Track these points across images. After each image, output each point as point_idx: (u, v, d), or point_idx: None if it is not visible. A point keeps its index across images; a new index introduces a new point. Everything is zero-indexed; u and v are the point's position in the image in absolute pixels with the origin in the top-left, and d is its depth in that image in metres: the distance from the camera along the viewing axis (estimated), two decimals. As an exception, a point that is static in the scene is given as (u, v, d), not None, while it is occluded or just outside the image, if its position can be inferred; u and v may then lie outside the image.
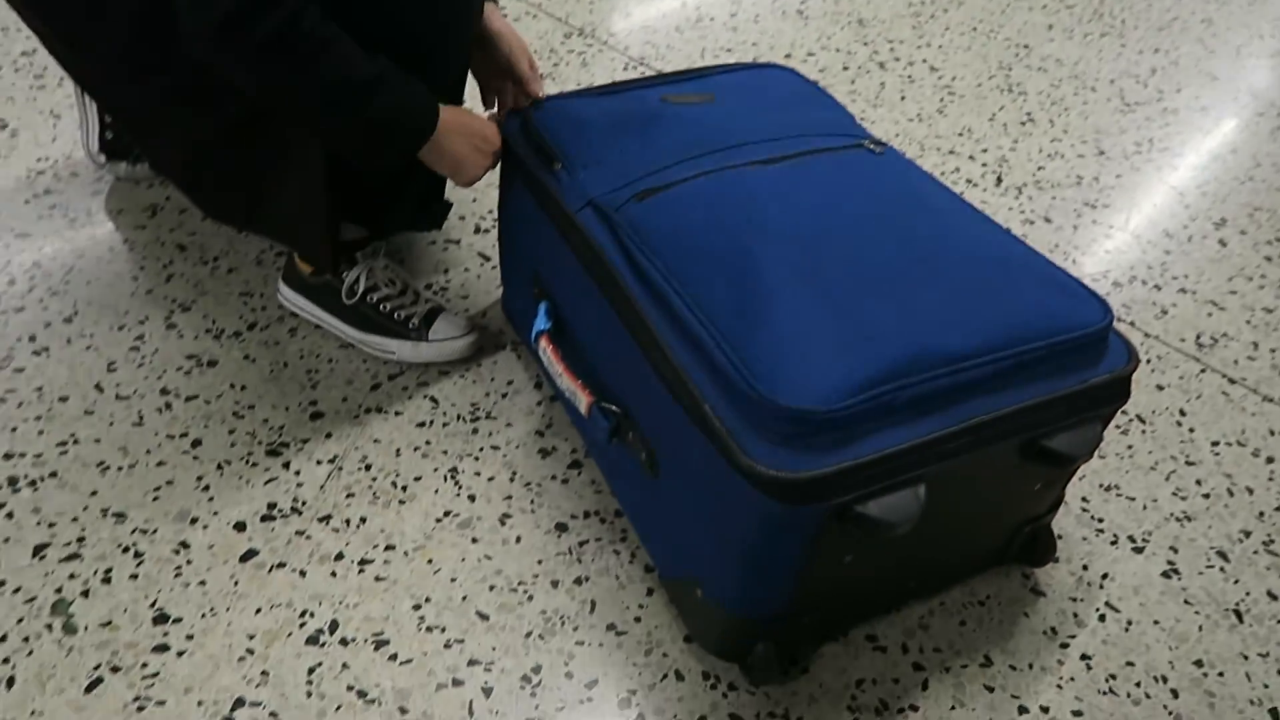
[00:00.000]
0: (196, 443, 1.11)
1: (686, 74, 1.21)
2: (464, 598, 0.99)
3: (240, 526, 1.03)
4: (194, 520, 1.03)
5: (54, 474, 1.05)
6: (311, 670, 0.91)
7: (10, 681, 0.87)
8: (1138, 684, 1.00)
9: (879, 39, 2.12)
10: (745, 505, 0.81)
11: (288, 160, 1.04)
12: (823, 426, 0.79)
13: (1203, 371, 1.40)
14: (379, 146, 0.99)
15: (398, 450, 1.13)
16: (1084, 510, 1.17)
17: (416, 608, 0.97)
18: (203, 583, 0.97)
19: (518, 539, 1.05)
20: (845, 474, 0.78)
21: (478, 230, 1.47)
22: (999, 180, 1.73)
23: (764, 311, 0.85)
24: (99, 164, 1.42)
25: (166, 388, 1.16)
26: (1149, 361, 1.41)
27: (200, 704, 0.88)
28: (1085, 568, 1.11)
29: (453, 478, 1.11)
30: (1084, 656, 1.02)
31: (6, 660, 0.89)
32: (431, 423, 1.17)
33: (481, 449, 1.14)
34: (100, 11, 0.99)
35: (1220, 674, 1.02)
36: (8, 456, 1.06)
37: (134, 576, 0.97)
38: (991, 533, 1.03)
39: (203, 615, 0.94)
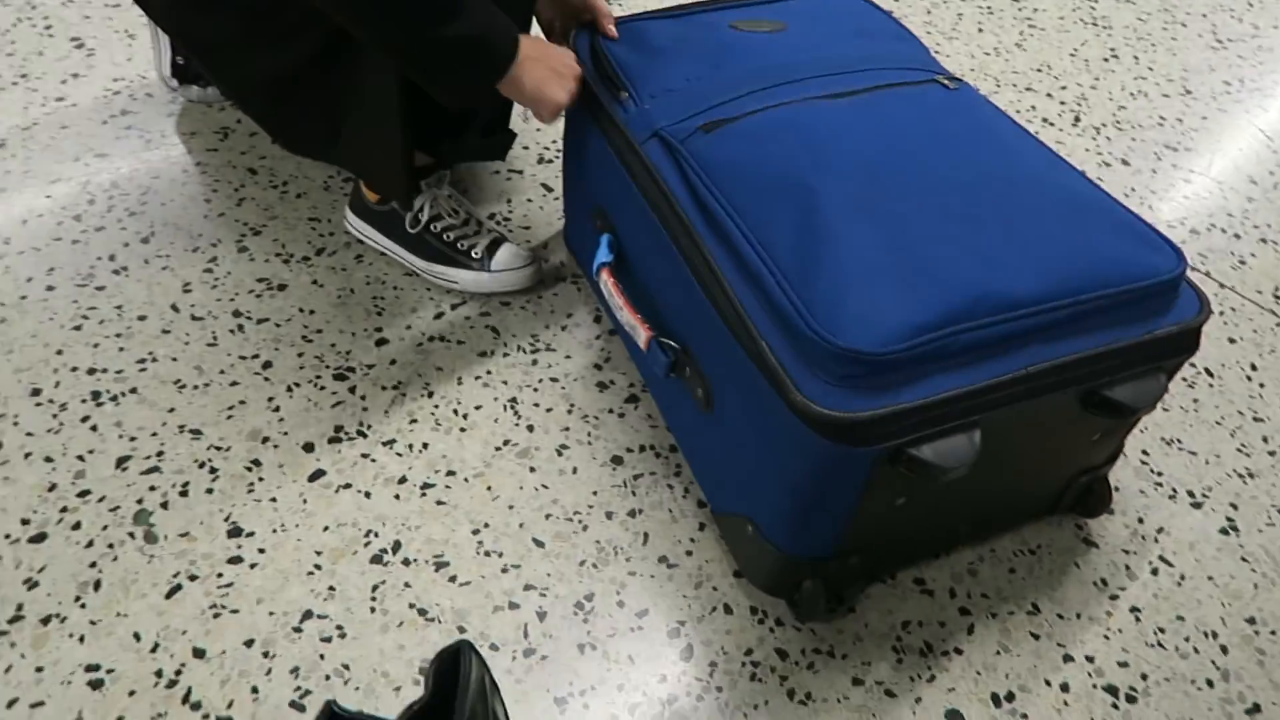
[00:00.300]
0: (267, 364, 1.14)
1: (757, 0, 1.18)
2: (521, 525, 1.02)
3: (309, 447, 1.07)
4: (265, 439, 1.07)
5: (134, 390, 1.10)
6: (375, 587, 0.95)
7: (97, 585, 0.93)
8: (1186, 639, 1.00)
9: (958, -34, 2.04)
10: (799, 444, 0.82)
11: (363, 94, 1.04)
12: (878, 368, 0.79)
13: (1278, 325, 1.36)
14: (460, 73, 0.98)
15: (459, 379, 1.16)
16: (1143, 463, 1.16)
17: (475, 533, 1.01)
18: (273, 499, 1.01)
19: (574, 470, 1.08)
20: (899, 416, 0.79)
21: (541, 160, 1.47)
22: (1077, 120, 1.67)
23: (825, 250, 0.84)
24: (171, 88, 1.45)
25: (239, 310, 1.20)
26: (1222, 313, 1.37)
27: (271, 614, 0.92)
28: (1141, 520, 1.10)
29: (512, 407, 1.13)
30: (1133, 609, 1.02)
31: (94, 565, 0.94)
32: (492, 353, 1.19)
33: (540, 380, 1.16)
34: None
35: (1273, 632, 1.02)
36: (91, 371, 1.11)
37: (209, 491, 1.01)
38: (1046, 481, 1.03)
39: (274, 531, 0.99)
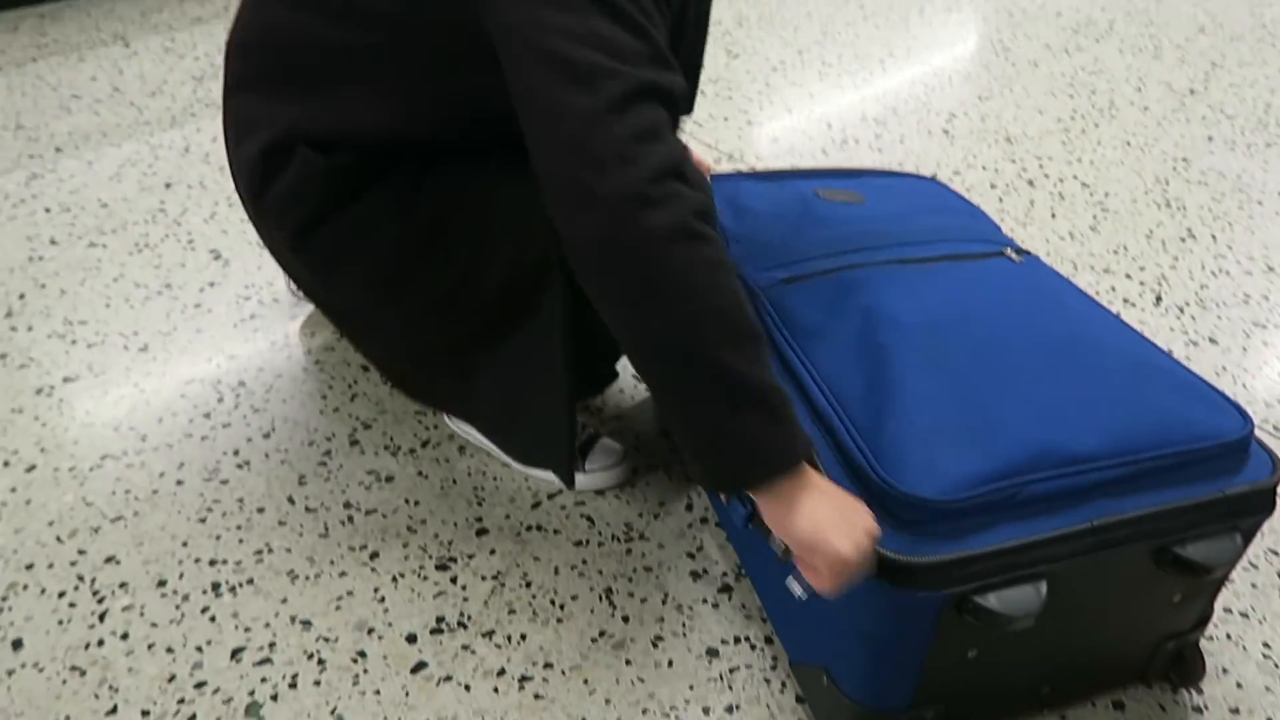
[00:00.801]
0: (374, 555, 1.19)
1: (840, 171, 1.28)
2: (618, 719, 1.02)
3: (412, 638, 1.10)
4: (370, 630, 1.10)
5: (250, 581, 1.16)
6: (475, 785, 0.96)
7: (209, 777, 0.96)
8: None
9: (1027, 156, 2.13)
10: (866, 590, 0.84)
11: (527, 369, 1.07)
12: (944, 515, 0.82)
13: (1397, 508, 1.31)
14: (728, 433, 0.80)
15: (556, 568, 1.19)
16: (1265, 657, 1.11)
17: (573, 727, 1.01)
18: (377, 692, 1.04)
19: (670, 662, 1.08)
20: (963, 562, 0.81)
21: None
22: (1158, 299, 1.69)
23: (893, 399, 0.89)
24: (296, 296, 1.58)
25: (349, 501, 1.27)
26: (1334, 495, 1.33)
27: (373, 811, 0.93)
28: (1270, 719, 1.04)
29: (608, 598, 1.15)
30: (1271, 822, 0.95)
31: (206, 757, 0.97)
32: (588, 542, 1.22)
33: (635, 569, 1.19)
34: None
35: None
36: (212, 563, 1.18)
37: (317, 683, 1.05)
38: (1129, 643, 1.01)
39: (377, 724, 1.01)
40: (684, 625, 1.12)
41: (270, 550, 1.20)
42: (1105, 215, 1.93)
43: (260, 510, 1.25)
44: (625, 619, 1.13)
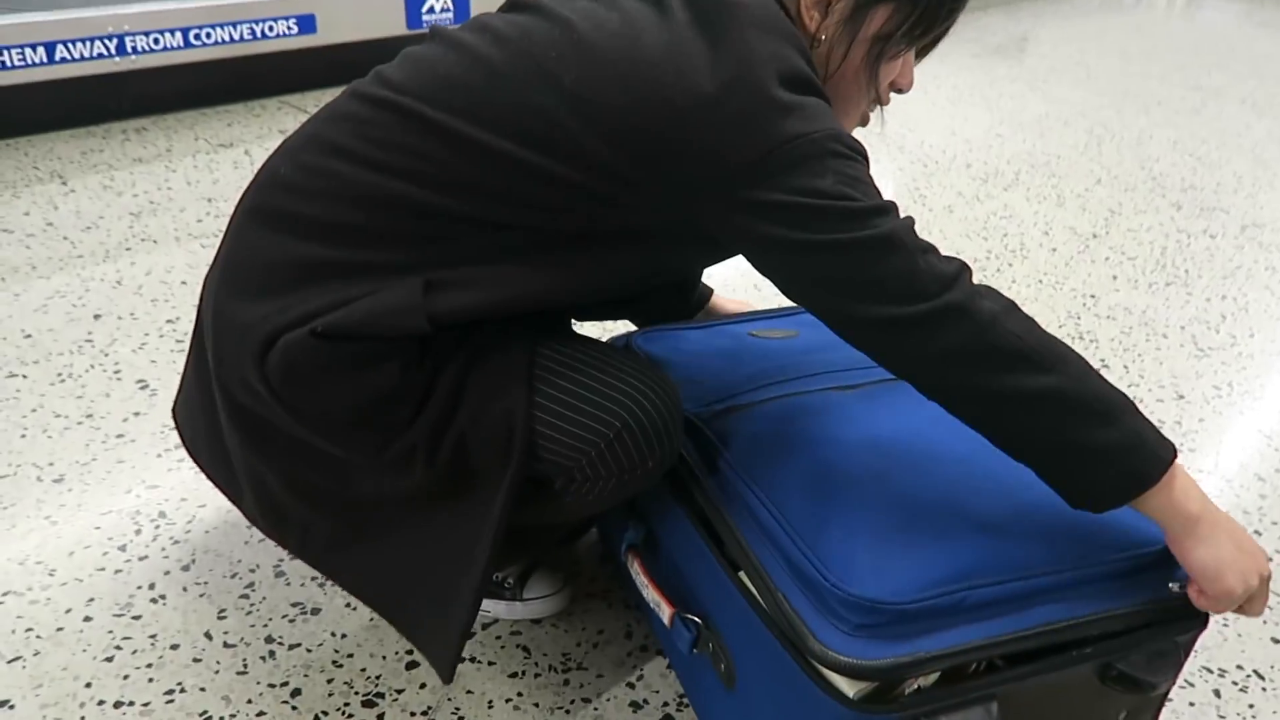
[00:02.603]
0: (296, 692, 1.13)
1: (772, 313, 1.32)
2: None
3: (334, 781, 1.03)
4: (289, 774, 1.03)
5: (160, 723, 1.08)
6: None
7: None
8: None
9: (947, 292, 2.23)
10: (818, 712, 0.83)
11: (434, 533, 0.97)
12: (895, 619, 0.82)
13: (1321, 623, 1.34)
14: (1097, 473, 0.83)
15: (490, 702, 1.13)
16: (1210, 778, 1.10)
17: None
18: (294, 841, 0.96)
19: (609, 800, 1.02)
20: (918, 664, 0.80)
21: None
22: (1079, 425, 1.75)
23: (837, 511, 0.91)
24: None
25: (271, 635, 1.20)
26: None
27: None
28: (1220, 845, 1.02)
29: (544, 732, 1.10)
30: None
31: None
32: (524, 673, 1.17)
33: (573, 701, 1.14)
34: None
35: None
36: (118, 705, 1.10)
37: (228, 833, 0.97)
38: None
39: None
40: (624, 759, 1.07)
41: (183, 690, 1.12)
42: (1023, 347, 2.02)
43: (174, 647, 1.18)
44: (562, 754, 1.07)
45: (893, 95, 0.99)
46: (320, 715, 1.10)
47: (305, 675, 1.15)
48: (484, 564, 0.94)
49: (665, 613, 1.03)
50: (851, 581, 0.83)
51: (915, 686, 0.86)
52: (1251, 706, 1.19)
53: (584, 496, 0.98)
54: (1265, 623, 1.33)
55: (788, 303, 1.33)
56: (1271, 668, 1.26)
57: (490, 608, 1.24)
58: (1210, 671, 1.24)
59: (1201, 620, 0.91)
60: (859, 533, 0.88)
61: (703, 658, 1.03)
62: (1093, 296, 2.26)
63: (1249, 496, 1.59)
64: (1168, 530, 0.87)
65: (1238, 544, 0.85)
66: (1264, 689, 1.22)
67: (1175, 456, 0.84)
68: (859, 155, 0.86)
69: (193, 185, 2.52)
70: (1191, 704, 1.19)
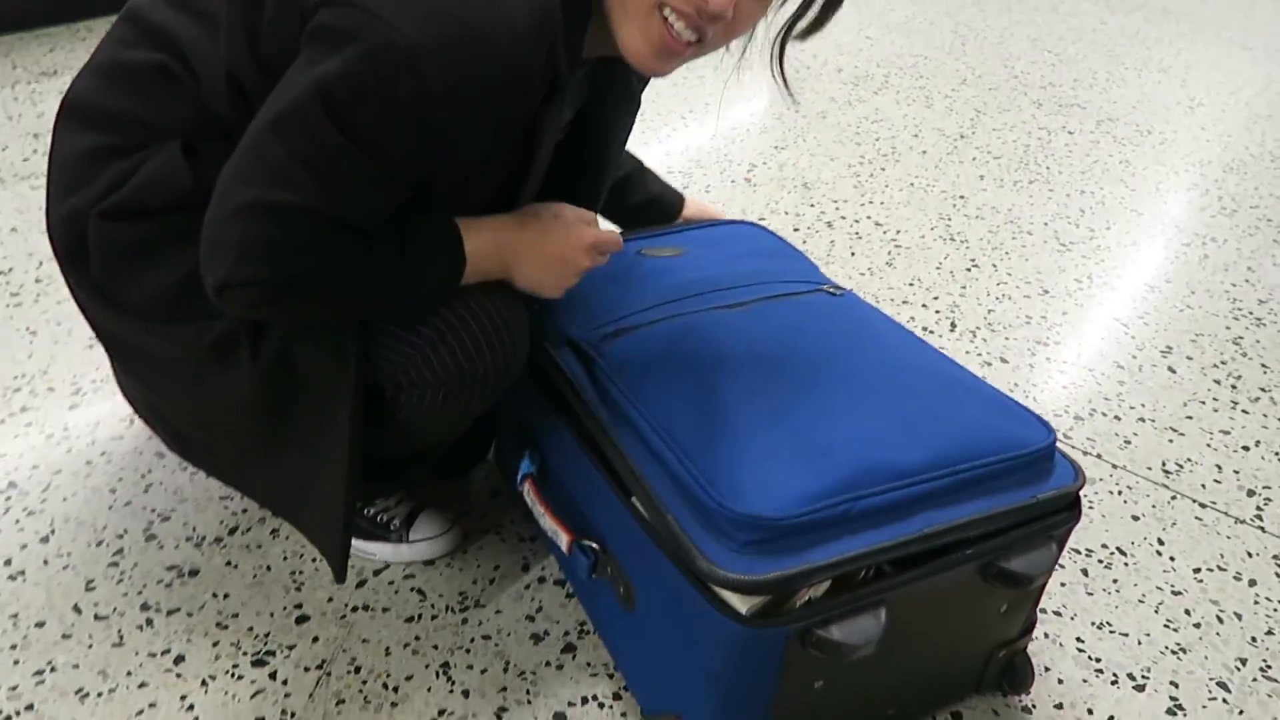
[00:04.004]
0: (180, 659, 1.08)
1: (661, 230, 1.29)
2: (464, 804, 0.95)
3: (227, 746, 0.99)
4: (178, 744, 0.99)
5: (30, 707, 1.02)
6: None
7: None
8: (1161, 834, 0.98)
9: (824, 200, 2.25)
10: (712, 629, 0.84)
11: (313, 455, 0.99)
12: (779, 533, 0.83)
13: (1173, 498, 1.43)
14: (422, 301, 0.95)
15: (387, 649, 1.11)
16: (1080, 650, 1.17)
17: (415, 820, 0.94)
18: (189, 813, 0.93)
19: (515, 734, 1.02)
20: (804, 576, 0.82)
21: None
22: (953, 325, 1.80)
23: (722, 429, 0.91)
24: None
25: (147, 602, 1.14)
26: (1120, 493, 1.44)
27: None
28: (1090, 711, 1.10)
29: (445, 673, 1.08)
30: (1103, 809, 1.00)
31: None
32: (420, 617, 1.15)
33: (473, 640, 1.13)
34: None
35: (1242, 815, 1.00)
36: (-19, 691, 1.03)
37: (116, 812, 0.92)
38: (965, 658, 1.04)
39: None
40: (528, 692, 1.07)
41: (53, 669, 1.06)
42: (899, 251, 2.06)
43: (39, 625, 1.11)
44: (465, 693, 1.06)
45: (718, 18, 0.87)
46: (208, 680, 1.06)
47: (188, 640, 1.10)
48: (346, 464, 0.96)
49: (563, 540, 1.03)
50: (737, 499, 0.84)
51: (806, 599, 0.88)
52: (1115, 581, 1.28)
53: (417, 408, 0.97)
54: (1125, 502, 1.42)
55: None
56: (1132, 543, 1.34)
57: (377, 551, 1.21)
58: (1078, 552, 1.32)
59: (1075, 515, 0.95)
60: (744, 450, 0.88)
61: (601, 583, 1.03)
62: (961, 197, 2.31)
63: (1109, 384, 1.68)
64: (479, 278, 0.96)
65: (543, 259, 0.98)
66: (1126, 564, 1.31)
67: (463, 267, 0.93)
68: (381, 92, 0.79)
69: (14, 120, 2.30)
70: (1062, 584, 1.27)
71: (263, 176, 0.81)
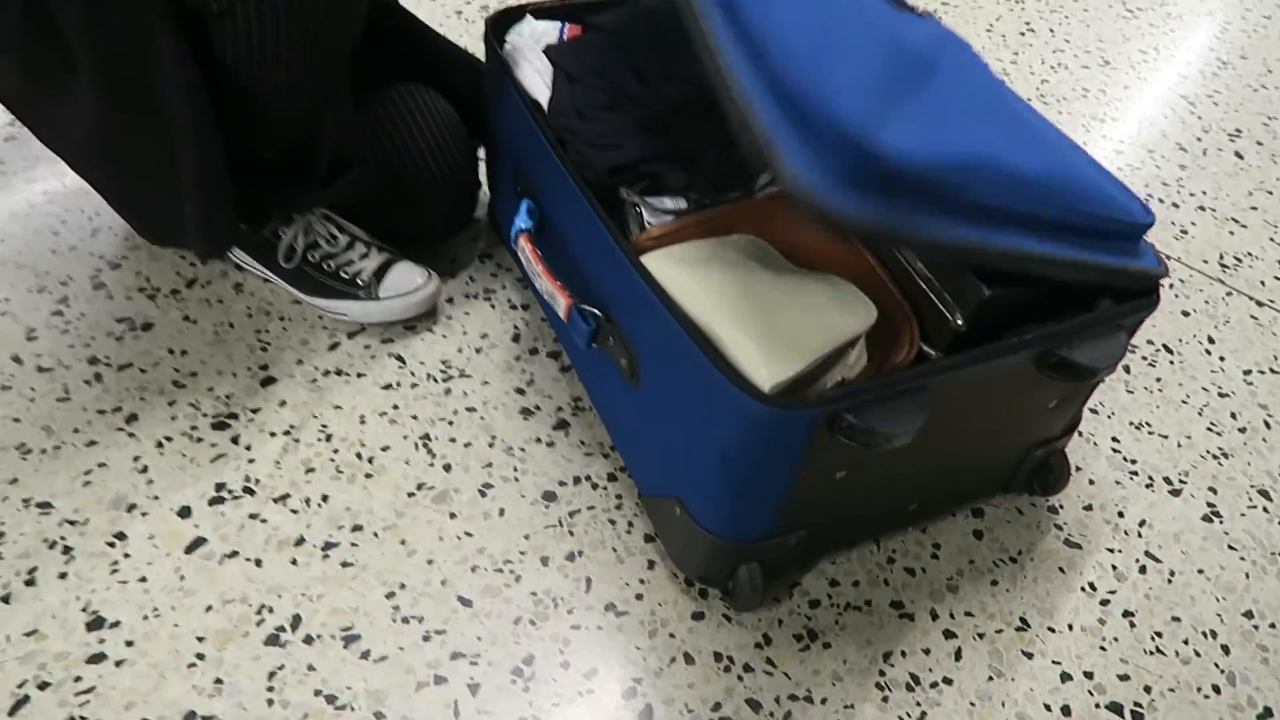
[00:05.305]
0: (132, 418, 0.98)
1: None
2: (443, 582, 0.88)
3: (185, 512, 0.91)
4: (131, 507, 0.90)
5: (-32, 460, 0.93)
6: (272, 674, 0.80)
7: (-76, 705, 0.76)
8: (1185, 641, 0.92)
9: (864, -53, 1.97)
10: (729, 408, 0.73)
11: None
12: (887, 178, 0.65)
13: (1229, 294, 1.31)
14: None
15: (361, 417, 1.01)
16: (1115, 451, 1.08)
17: (390, 596, 0.87)
18: (143, 579, 0.85)
19: (501, 512, 0.94)
20: (909, 234, 0.67)
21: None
22: (1001, 95, 1.61)
23: (843, 61, 0.70)
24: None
25: (95, 356, 1.03)
26: (1171, 285, 1.31)
27: None
28: (1121, 515, 1.02)
29: (425, 445, 0.99)
30: (1126, 613, 0.93)
31: (-81, 680, 0.77)
32: (399, 384, 1.04)
33: (456, 412, 1.03)
34: None
35: (1272, 625, 0.94)
36: (-86, 442, 0.93)
37: (63, 575, 0.85)
38: (1000, 454, 0.95)
39: (144, 617, 0.83)
40: (515, 469, 0.98)
41: (-8, 422, 0.96)
42: (945, 8, 1.82)
43: (-25, 374, 1.00)
44: (447, 468, 0.97)
45: None
46: (164, 441, 0.96)
47: (141, 399, 1.00)
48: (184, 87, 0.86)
49: (561, 304, 0.90)
50: (848, 121, 0.65)
51: (840, 379, 0.77)
52: (1159, 380, 1.17)
53: (249, 33, 0.84)
54: (1176, 296, 1.29)
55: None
56: (1180, 340, 1.23)
57: (344, 309, 1.08)
58: (1121, 347, 1.21)
59: (1153, 301, 0.83)
60: (869, 88, 0.69)
61: (602, 354, 0.91)
62: (1021, -48, 2.03)
63: (1169, 168, 1.51)
64: None
65: None
66: (1171, 362, 1.20)
67: None
68: None
69: None
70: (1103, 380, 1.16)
71: None
